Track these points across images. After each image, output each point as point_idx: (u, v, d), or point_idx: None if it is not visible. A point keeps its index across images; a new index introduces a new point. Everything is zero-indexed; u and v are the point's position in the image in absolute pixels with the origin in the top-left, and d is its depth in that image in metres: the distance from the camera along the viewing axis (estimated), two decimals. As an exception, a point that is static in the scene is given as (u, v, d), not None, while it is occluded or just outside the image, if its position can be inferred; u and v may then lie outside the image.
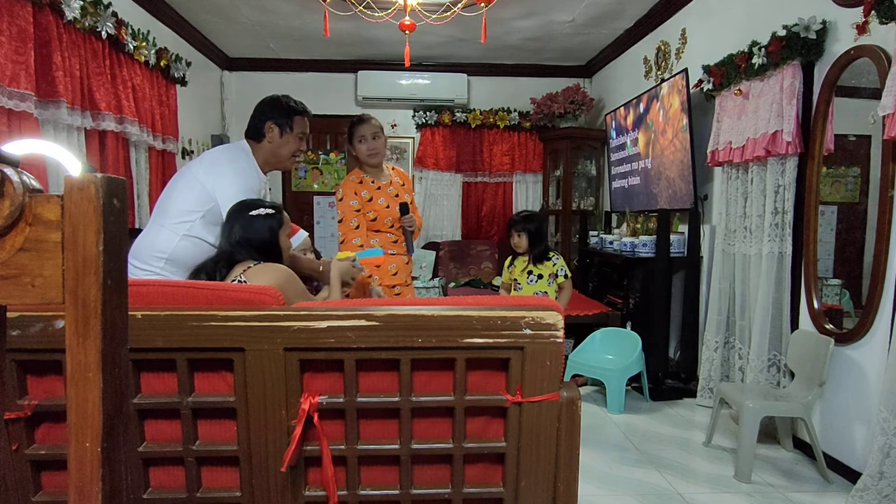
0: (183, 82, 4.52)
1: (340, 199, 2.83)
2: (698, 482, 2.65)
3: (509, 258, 3.57)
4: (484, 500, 1.30)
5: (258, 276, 1.75)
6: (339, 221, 2.83)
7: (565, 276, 3.39)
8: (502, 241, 6.11)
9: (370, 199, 2.82)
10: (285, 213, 2.01)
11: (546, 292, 3.37)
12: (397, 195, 2.89)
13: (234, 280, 1.77)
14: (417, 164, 6.22)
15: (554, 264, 3.39)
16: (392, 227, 2.85)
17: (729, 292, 3.48)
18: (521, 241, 3.41)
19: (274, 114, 2.26)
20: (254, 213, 1.92)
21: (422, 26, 4.12)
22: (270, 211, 1.94)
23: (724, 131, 3.45)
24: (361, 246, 2.74)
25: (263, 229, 1.90)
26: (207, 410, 1.23)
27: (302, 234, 2.50)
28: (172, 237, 2.07)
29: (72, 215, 0.51)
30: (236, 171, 2.14)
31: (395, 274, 2.86)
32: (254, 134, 2.28)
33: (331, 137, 6.34)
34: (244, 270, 1.79)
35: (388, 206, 2.84)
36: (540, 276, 3.39)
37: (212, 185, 2.09)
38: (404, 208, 2.81)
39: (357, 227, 2.77)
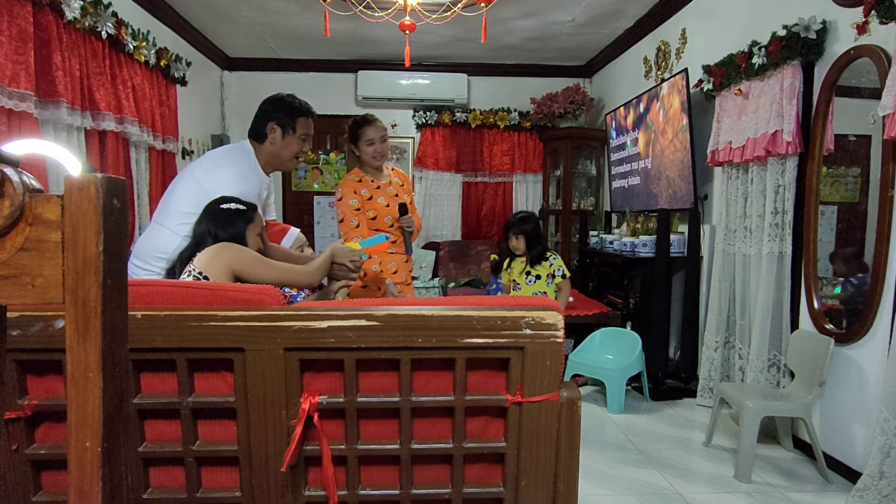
0: (183, 82, 4.52)
1: (340, 199, 2.83)
2: (698, 482, 2.65)
3: (507, 260, 3.57)
4: (484, 500, 1.30)
5: (208, 263, 1.71)
6: (340, 221, 2.84)
7: (563, 276, 3.39)
8: (502, 241, 6.10)
9: (370, 198, 2.83)
10: (259, 214, 1.99)
11: (545, 292, 3.38)
12: (397, 195, 2.89)
13: (188, 273, 1.73)
14: (417, 164, 6.23)
15: (551, 264, 3.39)
16: (391, 226, 2.85)
17: (729, 292, 3.48)
18: (519, 243, 3.41)
19: (277, 114, 2.23)
20: (223, 206, 1.90)
21: (422, 26, 4.12)
22: (241, 207, 1.92)
23: (724, 131, 3.45)
24: (358, 226, 2.74)
25: (230, 222, 1.88)
26: (207, 410, 1.23)
27: (293, 233, 2.48)
28: (174, 238, 2.07)
29: (72, 215, 0.51)
30: (236, 173, 2.12)
31: (395, 273, 2.87)
32: (256, 134, 2.25)
33: (331, 137, 6.34)
34: (192, 264, 1.75)
35: (387, 206, 2.84)
36: (538, 277, 3.39)
37: (211, 187, 2.07)
38: (403, 209, 2.82)
39: (357, 226, 2.78)
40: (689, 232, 3.86)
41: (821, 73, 2.83)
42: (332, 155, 6.34)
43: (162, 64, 4.11)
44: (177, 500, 1.25)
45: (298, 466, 1.24)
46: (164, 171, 4.25)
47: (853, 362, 2.63)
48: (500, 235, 6.24)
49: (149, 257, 2.07)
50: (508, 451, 1.25)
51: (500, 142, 6.22)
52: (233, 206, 1.91)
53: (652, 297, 3.93)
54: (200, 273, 1.69)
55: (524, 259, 3.44)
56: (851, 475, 2.57)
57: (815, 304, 2.86)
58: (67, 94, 3.00)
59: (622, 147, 5.01)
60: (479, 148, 6.25)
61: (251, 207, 1.96)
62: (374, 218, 2.82)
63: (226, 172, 2.10)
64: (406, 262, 2.95)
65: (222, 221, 1.88)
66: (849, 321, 2.73)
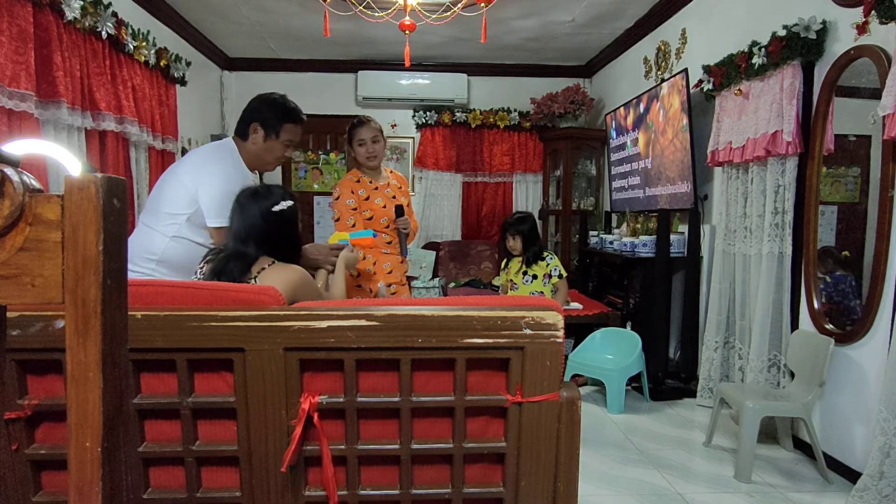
0: (183, 82, 4.52)
1: (337, 198, 2.84)
2: (698, 482, 2.65)
3: (504, 260, 3.59)
4: (484, 500, 1.30)
5: (272, 277, 1.69)
6: (336, 220, 2.85)
7: (560, 276, 3.40)
8: (501, 241, 6.10)
9: (367, 198, 2.83)
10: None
11: (542, 292, 3.38)
12: (394, 197, 2.90)
13: (248, 281, 1.71)
14: (417, 164, 6.22)
15: (548, 264, 3.40)
16: (387, 227, 2.86)
17: (729, 292, 3.47)
18: (516, 243, 3.43)
19: (265, 115, 2.16)
20: (277, 208, 1.77)
21: (422, 26, 4.12)
22: (290, 203, 1.81)
23: (724, 131, 3.45)
24: (354, 226, 2.75)
25: (290, 226, 1.79)
26: (207, 410, 1.23)
27: None
28: (162, 238, 2.06)
29: (72, 215, 0.51)
30: (221, 172, 2.08)
31: (389, 272, 2.87)
32: (240, 131, 2.20)
33: (331, 137, 6.34)
34: (259, 272, 1.72)
35: (384, 206, 2.85)
36: (535, 277, 3.40)
37: (195, 187, 2.04)
38: (399, 210, 2.83)
39: (353, 226, 2.79)
40: (689, 232, 3.86)
41: (821, 73, 2.83)
42: (332, 155, 6.34)
43: (162, 64, 4.11)
44: (177, 500, 1.25)
45: (298, 466, 1.24)
46: (164, 170, 4.24)
47: (853, 362, 2.63)
48: (500, 235, 6.23)
49: (138, 258, 2.07)
50: (508, 451, 1.25)
51: (500, 142, 6.22)
52: (285, 205, 1.80)
53: (652, 297, 3.93)
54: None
55: (521, 259, 3.45)
56: (851, 475, 2.57)
57: (815, 304, 2.86)
58: (68, 95, 3.00)
59: (622, 147, 5.01)
60: (479, 148, 6.25)
61: (294, 197, 1.87)
62: (370, 218, 2.83)
63: (210, 172, 2.08)
64: (401, 263, 2.96)
65: (280, 226, 1.79)
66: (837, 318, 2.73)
